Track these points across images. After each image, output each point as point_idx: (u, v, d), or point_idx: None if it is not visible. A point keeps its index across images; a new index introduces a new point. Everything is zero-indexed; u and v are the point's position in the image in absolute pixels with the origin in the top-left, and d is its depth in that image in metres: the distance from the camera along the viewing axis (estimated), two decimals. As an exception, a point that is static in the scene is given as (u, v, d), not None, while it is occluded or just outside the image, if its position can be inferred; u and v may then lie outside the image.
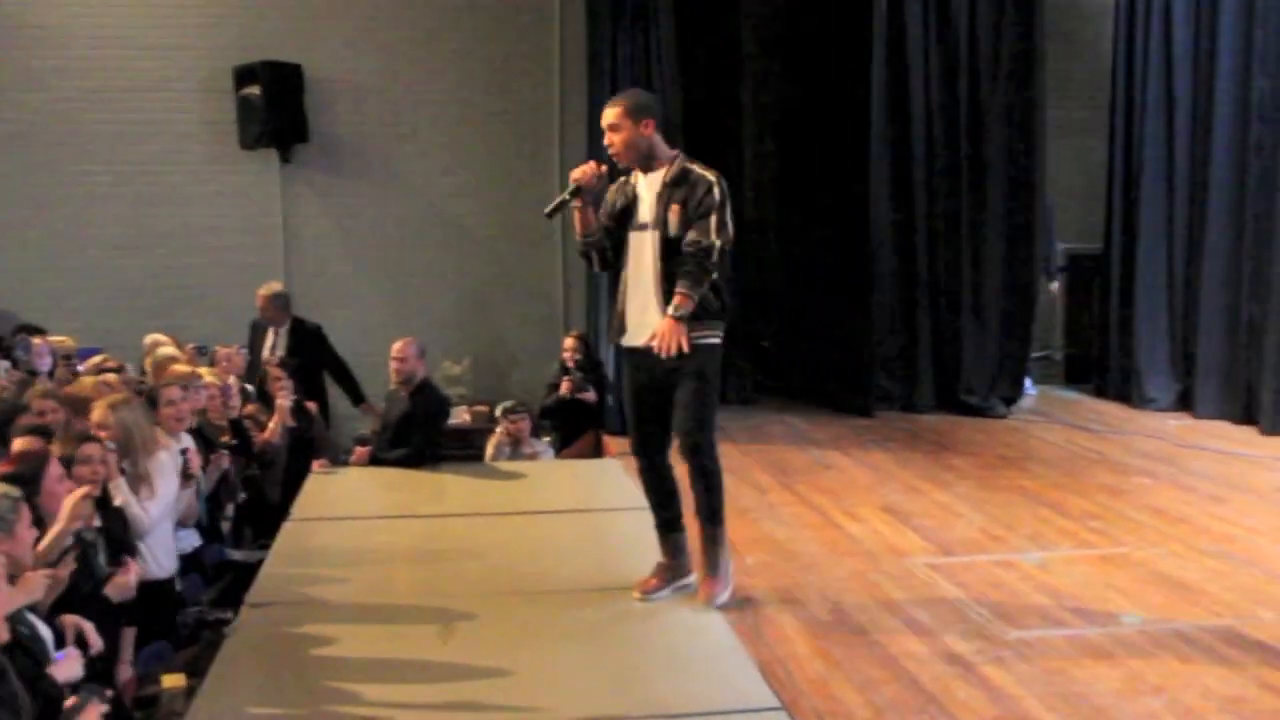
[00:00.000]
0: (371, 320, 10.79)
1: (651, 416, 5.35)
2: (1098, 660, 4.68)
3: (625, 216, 5.29)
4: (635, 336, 5.24)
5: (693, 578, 5.43)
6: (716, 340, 5.23)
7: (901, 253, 10.53)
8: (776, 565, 6.06)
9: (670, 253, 5.11)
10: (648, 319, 5.16)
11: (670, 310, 4.99)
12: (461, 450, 9.09)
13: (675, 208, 5.11)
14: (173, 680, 4.55)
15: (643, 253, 5.20)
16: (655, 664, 4.65)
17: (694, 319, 5.02)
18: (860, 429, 9.73)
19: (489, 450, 8.68)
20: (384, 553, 6.22)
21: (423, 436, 7.85)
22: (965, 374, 10.53)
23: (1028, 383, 10.86)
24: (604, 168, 5.28)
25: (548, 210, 5.34)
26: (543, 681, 4.44)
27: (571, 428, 9.27)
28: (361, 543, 6.38)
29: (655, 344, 4.97)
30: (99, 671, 4.24)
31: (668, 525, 5.49)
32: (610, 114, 5.21)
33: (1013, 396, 10.55)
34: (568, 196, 5.22)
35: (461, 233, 11.33)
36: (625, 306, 5.30)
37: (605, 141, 5.25)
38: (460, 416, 10.43)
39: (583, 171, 5.23)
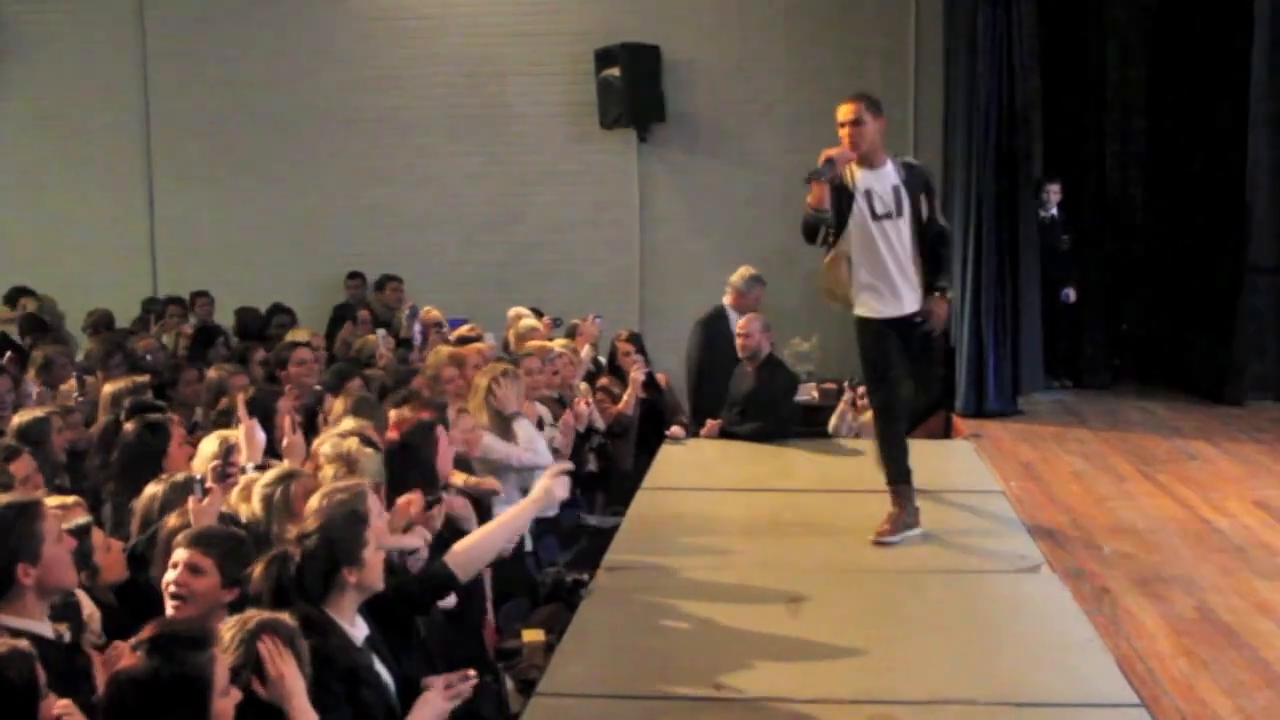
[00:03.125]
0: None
1: (907, 373, 6.00)
2: None
3: (847, 206, 5.84)
4: (897, 308, 5.90)
5: (919, 529, 5.84)
6: None
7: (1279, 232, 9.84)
8: (1137, 557, 5.82)
9: (919, 236, 5.88)
10: (904, 293, 5.88)
11: (942, 294, 5.90)
12: (809, 427, 9.12)
13: (923, 197, 5.90)
14: (533, 635, 4.80)
15: (893, 239, 5.85)
16: (1005, 650, 4.57)
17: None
18: (1229, 418, 9.17)
19: (833, 420, 8.77)
20: (733, 524, 6.33)
21: (773, 412, 7.91)
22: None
23: None
24: (855, 153, 5.87)
25: (806, 177, 5.75)
26: (889, 661, 4.45)
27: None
28: (712, 513, 6.51)
29: (931, 323, 5.90)
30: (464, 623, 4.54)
31: (906, 475, 5.97)
32: (849, 110, 5.92)
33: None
34: (822, 168, 5.69)
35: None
36: (877, 283, 5.90)
37: (843, 134, 5.87)
38: (809, 393, 10.44)
39: (839, 150, 5.81)
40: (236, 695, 2.80)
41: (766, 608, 5.00)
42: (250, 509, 4.08)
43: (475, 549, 4.09)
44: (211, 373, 6.66)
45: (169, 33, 11.80)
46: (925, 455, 8.13)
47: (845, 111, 5.87)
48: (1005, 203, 9.58)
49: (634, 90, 11.01)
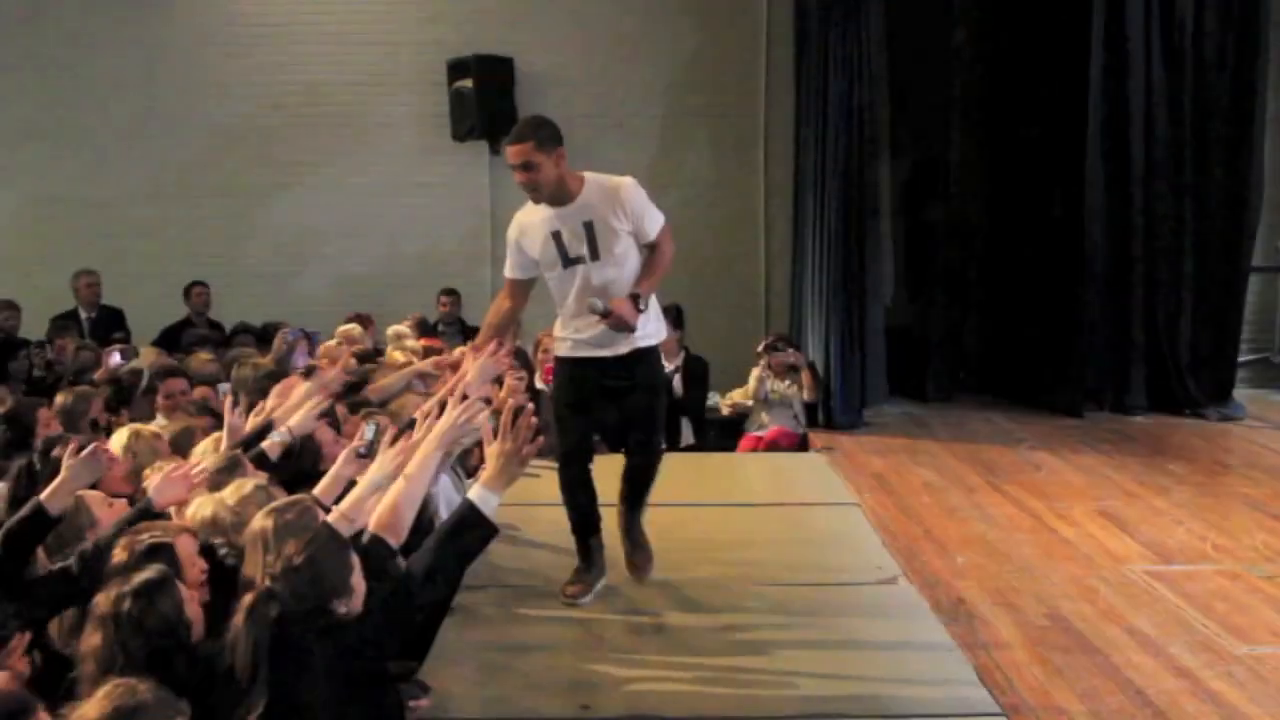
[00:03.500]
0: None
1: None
2: (1337, 680, 4.49)
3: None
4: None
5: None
6: None
7: (1115, 248, 10.20)
8: (989, 567, 5.96)
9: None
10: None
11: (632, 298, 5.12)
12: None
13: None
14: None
15: (594, 284, 5.15)
16: (870, 662, 4.63)
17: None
18: (1069, 429, 9.47)
19: (752, 385, 9.17)
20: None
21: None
22: (1180, 375, 10.18)
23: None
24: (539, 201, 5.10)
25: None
26: (754, 677, 4.46)
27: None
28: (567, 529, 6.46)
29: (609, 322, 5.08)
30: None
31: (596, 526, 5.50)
32: (517, 152, 4.93)
33: (1224, 399, 10.15)
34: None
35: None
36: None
37: (518, 180, 5.00)
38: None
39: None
40: None
41: (633, 625, 4.99)
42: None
43: (399, 509, 3.75)
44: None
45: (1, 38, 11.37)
46: (779, 469, 8.30)
47: (513, 154, 4.92)
48: (853, 219, 9.77)
49: (487, 102, 10.94)
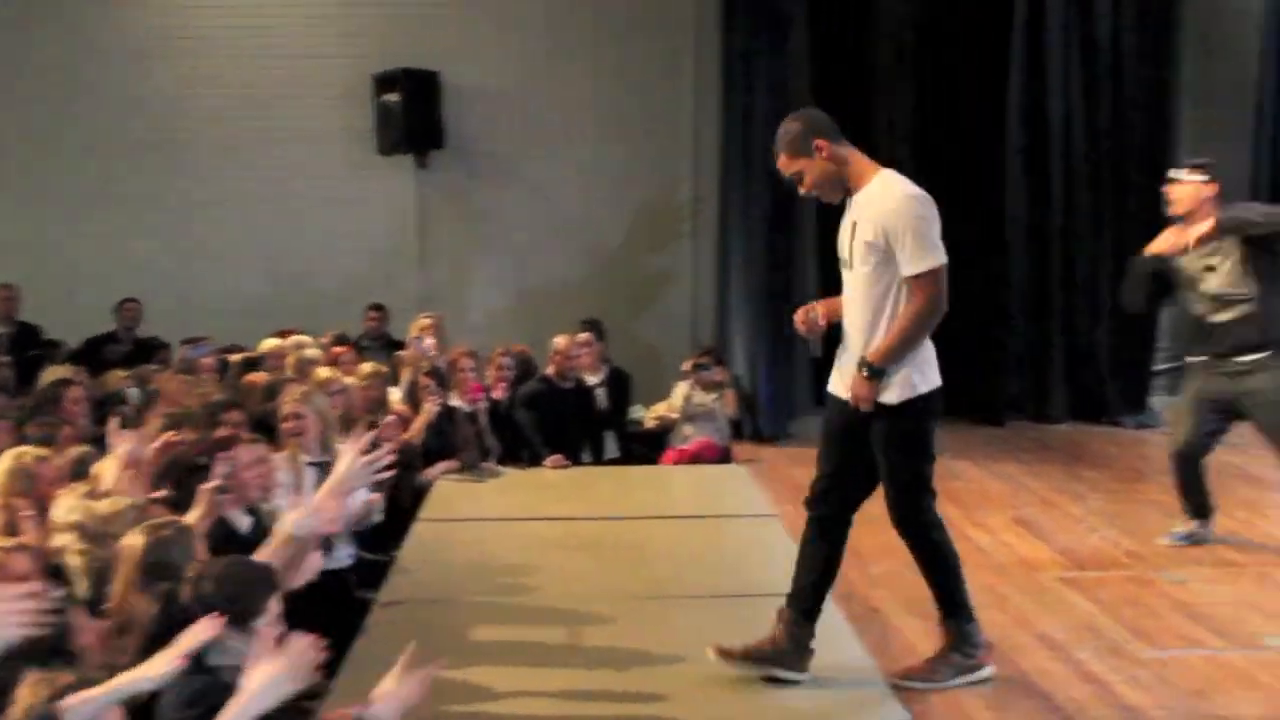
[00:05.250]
0: (502, 324, 10.93)
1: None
2: (1239, 683, 4.58)
3: None
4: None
5: None
6: None
7: (1036, 259, 10.35)
8: (904, 576, 5.94)
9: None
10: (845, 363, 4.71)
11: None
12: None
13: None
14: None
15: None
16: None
17: None
18: (990, 438, 9.59)
19: (678, 402, 9.16)
20: (510, 554, 6.28)
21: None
22: (1099, 384, 10.34)
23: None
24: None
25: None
26: (669, 690, 4.47)
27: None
28: (489, 543, 6.46)
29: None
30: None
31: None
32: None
33: (1140, 407, 10.32)
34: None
35: (593, 239, 11.40)
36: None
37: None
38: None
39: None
40: None
41: (545, 638, 4.98)
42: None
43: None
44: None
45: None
46: (701, 481, 8.34)
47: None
48: (778, 235, 9.86)
49: (413, 116, 10.90)
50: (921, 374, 4.51)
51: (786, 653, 4.56)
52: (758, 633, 4.61)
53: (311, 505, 3.97)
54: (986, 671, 4.65)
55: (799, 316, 4.73)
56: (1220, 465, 8.49)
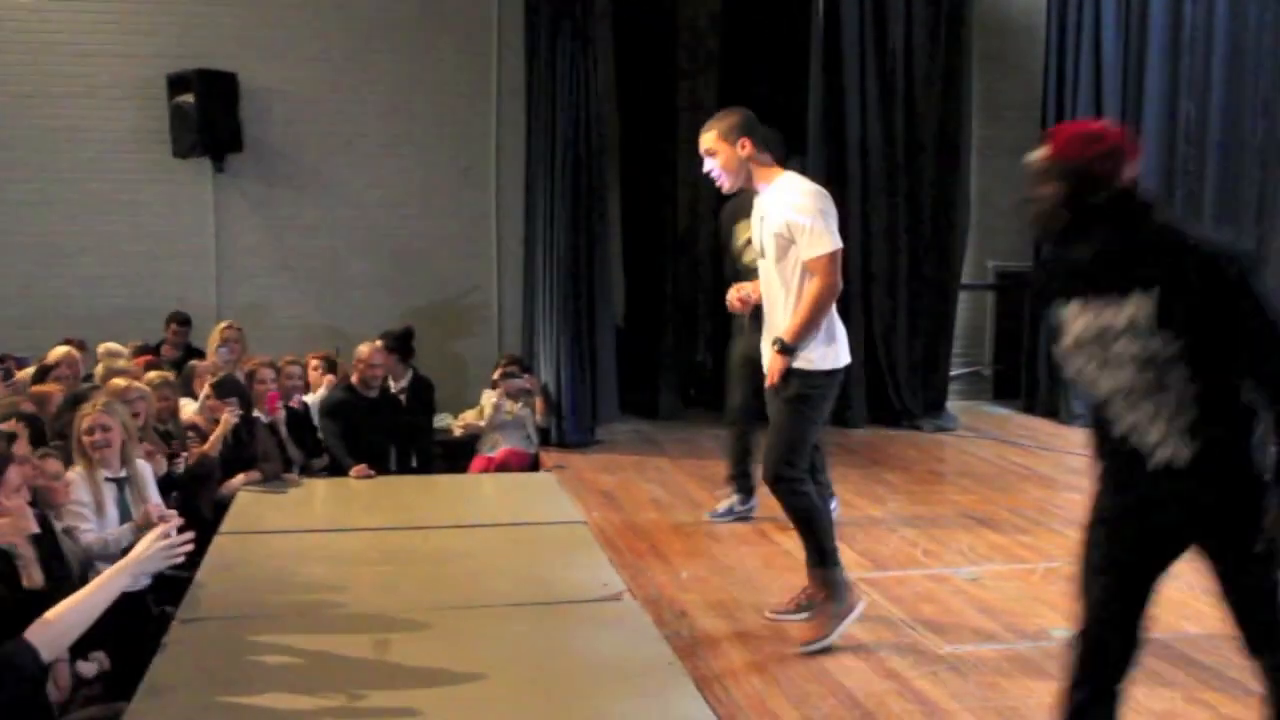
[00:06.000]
0: (304, 331, 10.71)
1: None
2: (1030, 675, 4.75)
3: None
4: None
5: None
6: None
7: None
8: (712, 580, 6.08)
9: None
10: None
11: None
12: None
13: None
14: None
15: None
16: (591, 679, 4.64)
17: None
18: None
19: (486, 408, 9.22)
20: (317, 566, 6.15)
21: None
22: (896, 388, 10.64)
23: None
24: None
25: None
26: (479, 698, 4.42)
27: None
28: (294, 556, 6.31)
29: None
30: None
31: None
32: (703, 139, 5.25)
33: (938, 411, 10.68)
34: None
35: (397, 245, 11.25)
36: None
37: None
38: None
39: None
40: None
41: (354, 651, 4.88)
42: None
43: (65, 621, 3.59)
44: None
45: None
46: (508, 489, 8.32)
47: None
48: (582, 240, 9.88)
49: (209, 118, 10.58)
50: (828, 350, 5.16)
51: (830, 597, 5.17)
52: (569, 638, 4.60)
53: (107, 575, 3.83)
54: (860, 608, 5.21)
55: (732, 297, 6.04)
56: (1009, 465, 8.89)
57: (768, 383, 5.17)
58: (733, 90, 10.95)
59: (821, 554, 5.20)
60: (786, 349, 5.06)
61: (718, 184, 5.29)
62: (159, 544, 3.88)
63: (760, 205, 5.24)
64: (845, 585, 5.20)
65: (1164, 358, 3.16)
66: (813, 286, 5.03)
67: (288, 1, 11.07)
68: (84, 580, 4.71)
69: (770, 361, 5.15)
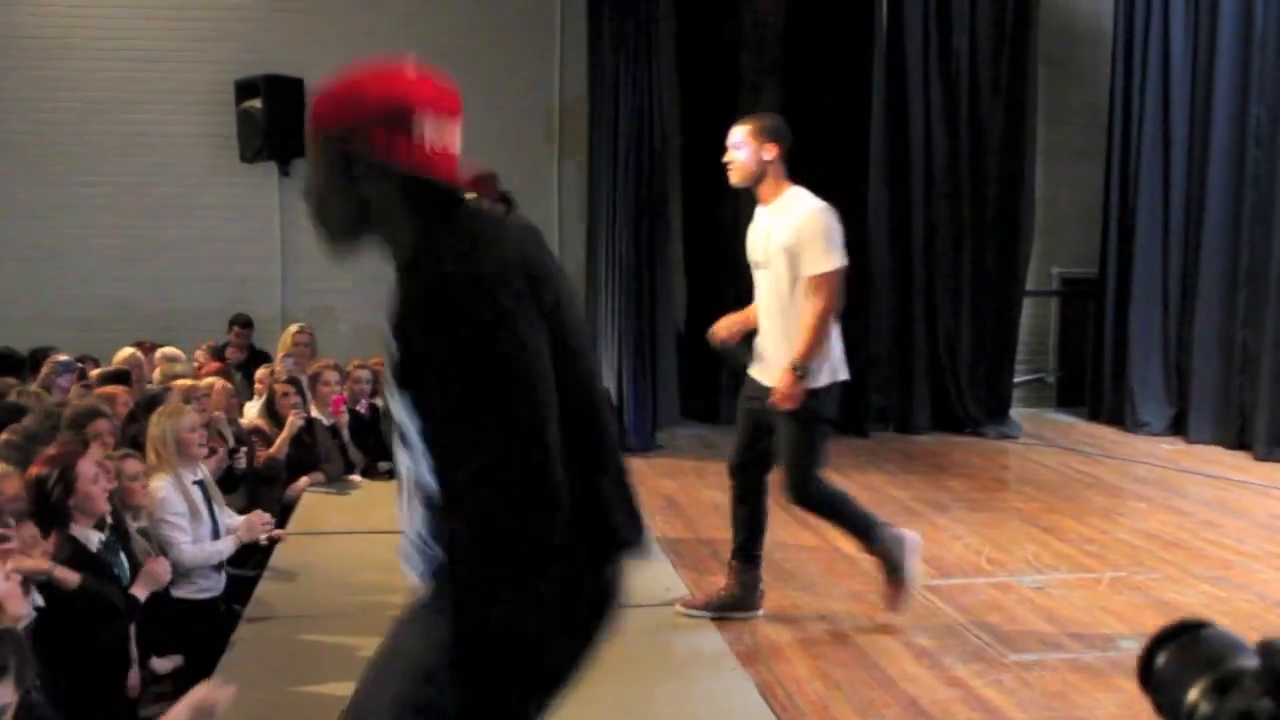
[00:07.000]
0: (371, 335, 10.79)
1: None
2: (1096, 684, 4.70)
3: None
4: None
5: None
6: None
7: (898, 271, 10.56)
8: (773, 585, 6.05)
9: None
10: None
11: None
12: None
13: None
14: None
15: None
16: (655, 681, 4.66)
17: None
18: (855, 448, 9.73)
19: None
20: (380, 567, 6.18)
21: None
22: (960, 395, 10.58)
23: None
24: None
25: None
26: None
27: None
28: (358, 556, 6.36)
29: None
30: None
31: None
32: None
33: (1002, 418, 10.59)
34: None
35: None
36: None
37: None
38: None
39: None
40: None
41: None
42: None
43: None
44: None
45: None
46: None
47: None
48: (644, 244, 9.90)
49: (276, 123, 10.69)
50: (830, 368, 5.21)
51: (739, 597, 5.44)
52: (632, 642, 4.59)
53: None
54: (911, 537, 5.39)
55: (714, 337, 5.62)
56: (1073, 473, 8.81)
57: (781, 405, 5.10)
58: (796, 98, 10.94)
59: (866, 532, 5.33)
60: (802, 370, 5.07)
61: (729, 172, 5.33)
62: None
63: (765, 217, 5.32)
64: (896, 539, 5.32)
65: None
66: (814, 304, 5.06)
67: (354, 7, 11.18)
68: (167, 591, 4.79)
69: (782, 384, 5.09)
